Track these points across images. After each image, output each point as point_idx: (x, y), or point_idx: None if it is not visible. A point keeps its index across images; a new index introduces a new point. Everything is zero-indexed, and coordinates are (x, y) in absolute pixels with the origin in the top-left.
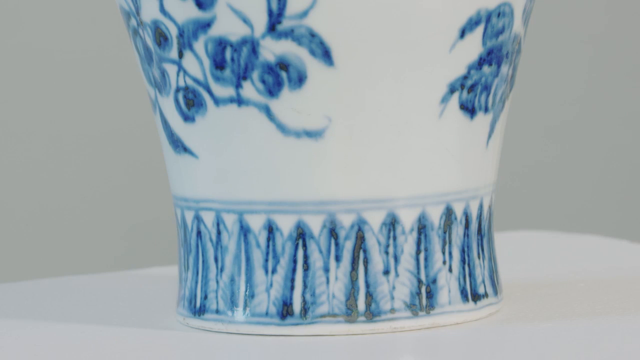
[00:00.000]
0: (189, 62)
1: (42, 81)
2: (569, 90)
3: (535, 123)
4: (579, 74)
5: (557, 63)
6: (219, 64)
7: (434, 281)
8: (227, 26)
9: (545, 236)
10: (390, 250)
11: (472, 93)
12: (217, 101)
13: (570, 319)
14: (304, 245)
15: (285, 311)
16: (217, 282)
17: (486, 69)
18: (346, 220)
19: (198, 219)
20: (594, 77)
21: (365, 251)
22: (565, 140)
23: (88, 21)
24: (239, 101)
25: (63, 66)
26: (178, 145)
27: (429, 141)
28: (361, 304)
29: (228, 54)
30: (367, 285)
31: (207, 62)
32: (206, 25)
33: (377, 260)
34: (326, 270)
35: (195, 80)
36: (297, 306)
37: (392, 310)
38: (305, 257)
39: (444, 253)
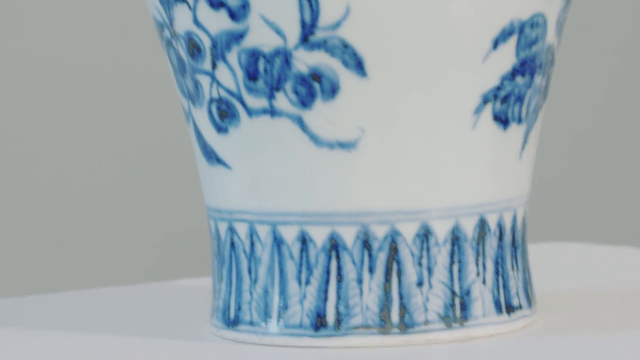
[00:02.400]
0: (222, 73)
1: (79, 93)
2: (599, 98)
3: (567, 132)
4: (608, 82)
5: (586, 71)
6: (252, 75)
7: (468, 293)
8: (260, 37)
9: (579, 248)
10: (424, 261)
11: (506, 104)
12: (250, 112)
13: (605, 330)
14: (337, 257)
15: (318, 322)
16: (251, 293)
17: (519, 79)
18: (379, 232)
19: (231, 230)
20: (624, 85)
21: (398, 263)
22: (598, 149)
23: (122, 32)
24: (272, 112)
25: (98, 78)
26: (211, 156)
27: (462, 152)
28: (395, 316)
29: (261, 65)
30: (401, 296)
31: (240, 73)
32: (239, 36)
33: (411, 272)
34: (359, 281)
35: (229, 91)
36: (330, 317)
37: (426, 322)
38: (339, 269)
39: (477, 265)
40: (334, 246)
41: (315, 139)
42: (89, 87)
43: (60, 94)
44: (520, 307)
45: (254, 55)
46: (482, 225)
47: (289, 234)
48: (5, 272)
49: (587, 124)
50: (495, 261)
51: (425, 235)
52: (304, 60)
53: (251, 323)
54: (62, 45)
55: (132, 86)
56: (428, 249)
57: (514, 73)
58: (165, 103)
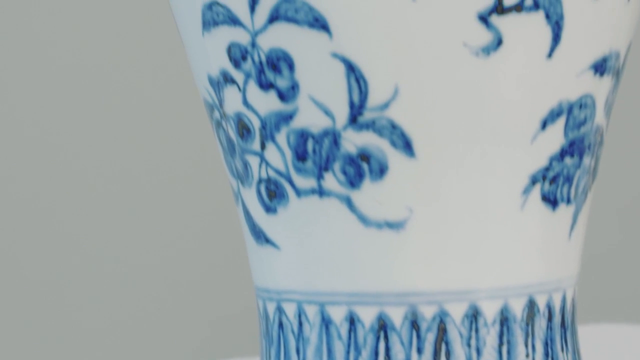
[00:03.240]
0: (271, 153)
1: (126, 177)
2: None
3: (615, 210)
4: None
5: (636, 150)
6: (300, 156)
7: None
8: (309, 118)
9: (628, 329)
10: (473, 342)
11: (554, 184)
12: (298, 192)
13: None
14: (386, 337)
15: None
16: None
17: (568, 160)
18: (428, 312)
19: (280, 310)
20: None
21: (447, 343)
22: None
23: (171, 114)
24: (321, 192)
25: (145, 159)
26: (260, 236)
27: (510, 232)
28: None
29: (310, 145)
30: None
31: (289, 154)
32: (288, 117)
33: (459, 353)
34: None
35: (277, 171)
36: None
37: None
38: (387, 349)
39: (526, 346)
40: (382, 327)
41: (363, 219)
42: (138, 169)
43: (108, 179)
44: None
45: (303, 135)
46: (531, 306)
47: (337, 314)
48: (55, 354)
49: (635, 201)
50: (545, 342)
51: (474, 315)
52: (353, 141)
53: None
54: (112, 132)
55: (180, 169)
56: (477, 330)
57: (563, 154)
58: (214, 184)
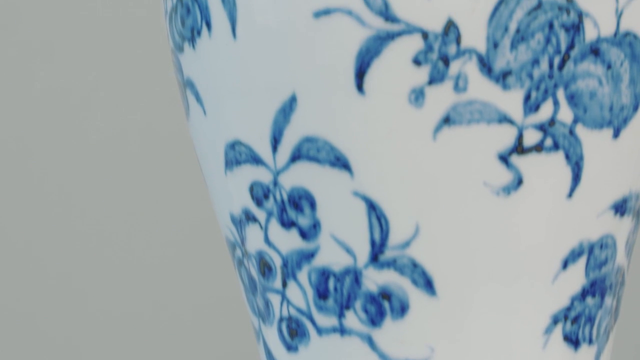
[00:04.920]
0: (293, 292)
1: (145, 316)
2: None
3: (636, 352)
4: None
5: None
6: (322, 294)
7: None
8: (330, 256)
9: None
10: None
11: (576, 324)
12: (320, 331)
13: None
14: None
15: None
16: None
17: (590, 300)
18: None
19: None
20: None
21: None
22: None
23: (192, 255)
24: (342, 331)
25: (167, 302)
26: None
27: None
28: None
29: (331, 283)
30: None
31: (310, 292)
32: (310, 255)
33: None
34: None
35: (299, 310)
36: None
37: None
38: None
39: None
40: None
41: (384, 358)
42: (157, 315)
43: (132, 332)
44: None
45: (324, 274)
46: None
47: None
48: None
49: None
50: None
51: None
52: (374, 279)
53: None
54: (129, 280)
55: (200, 308)
56: None
57: (584, 294)
58: (235, 323)
